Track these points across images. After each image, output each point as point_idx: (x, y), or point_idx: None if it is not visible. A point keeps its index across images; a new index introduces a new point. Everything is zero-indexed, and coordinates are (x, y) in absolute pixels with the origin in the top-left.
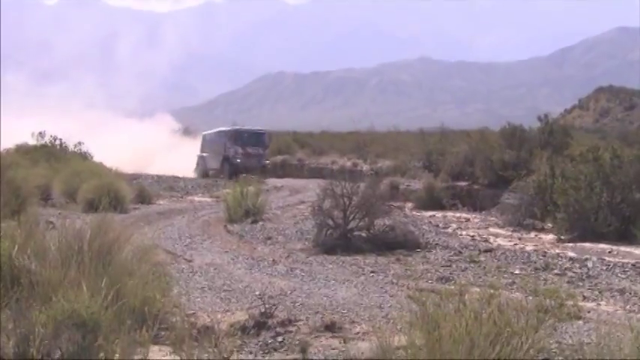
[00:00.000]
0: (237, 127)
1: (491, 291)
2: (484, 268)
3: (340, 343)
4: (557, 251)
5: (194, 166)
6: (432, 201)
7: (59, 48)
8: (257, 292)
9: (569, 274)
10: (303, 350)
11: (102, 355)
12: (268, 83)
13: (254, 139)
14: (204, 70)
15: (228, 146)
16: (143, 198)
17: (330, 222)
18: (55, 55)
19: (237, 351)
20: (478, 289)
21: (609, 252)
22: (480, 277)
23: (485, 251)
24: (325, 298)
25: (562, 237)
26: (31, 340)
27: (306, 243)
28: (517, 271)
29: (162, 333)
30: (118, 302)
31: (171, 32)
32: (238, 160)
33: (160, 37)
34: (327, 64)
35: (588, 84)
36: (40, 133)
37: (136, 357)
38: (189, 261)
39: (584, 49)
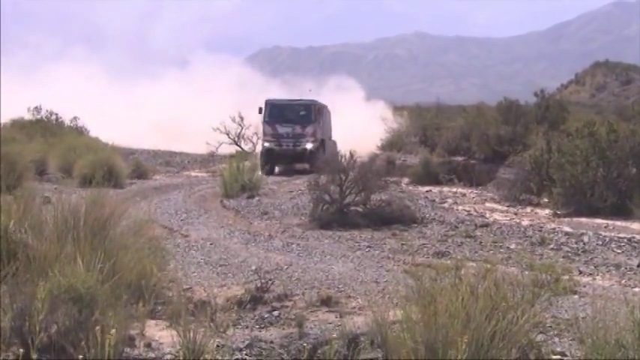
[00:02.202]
0: (270, 99)
1: (487, 266)
2: (480, 242)
3: (336, 317)
4: (553, 226)
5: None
6: (428, 176)
7: None
8: (253, 267)
9: (565, 248)
10: (299, 325)
11: (98, 329)
12: (264, 58)
13: (292, 113)
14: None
15: (262, 125)
16: (139, 173)
17: (327, 197)
18: None
19: (234, 325)
20: (474, 264)
21: (605, 227)
22: (476, 252)
23: (482, 226)
24: (321, 273)
25: (558, 212)
26: (28, 314)
27: (303, 218)
28: (513, 246)
29: (159, 307)
30: (114, 277)
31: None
32: (267, 145)
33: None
34: (323, 38)
35: (584, 59)
36: (36, 107)
37: (132, 331)
38: (186, 236)
39: (580, 24)
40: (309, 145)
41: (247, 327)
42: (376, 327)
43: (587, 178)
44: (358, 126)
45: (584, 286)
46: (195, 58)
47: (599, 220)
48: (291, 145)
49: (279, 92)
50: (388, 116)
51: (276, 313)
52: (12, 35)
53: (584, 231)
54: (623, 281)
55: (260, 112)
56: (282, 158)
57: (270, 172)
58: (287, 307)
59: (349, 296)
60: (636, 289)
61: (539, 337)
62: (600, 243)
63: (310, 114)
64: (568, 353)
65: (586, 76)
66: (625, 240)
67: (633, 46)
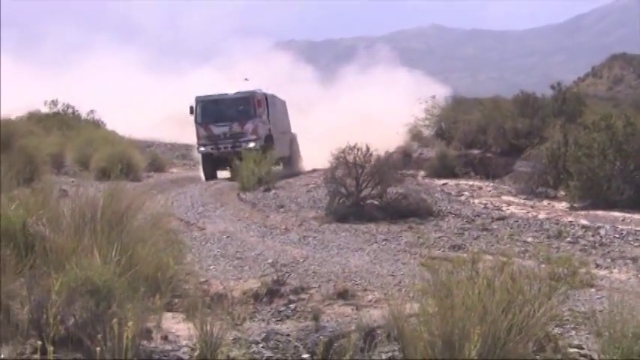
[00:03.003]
0: (200, 96)
1: (504, 259)
2: (497, 236)
3: (352, 310)
4: (570, 219)
5: None
6: (444, 169)
7: None
8: (269, 260)
9: (582, 242)
10: (316, 318)
11: (115, 321)
12: (281, 51)
13: (228, 109)
14: None
15: (195, 127)
16: (156, 166)
17: (343, 190)
18: None
19: (250, 318)
20: (491, 257)
21: (622, 220)
22: (493, 245)
23: (498, 219)
24: (338, 266)
25: (575, 205)
26: (45, 307)
27: (319, 211)
28: (530, 239)
29: (176, 300)
30: (131, 270)
31: None
32: (203, 149)
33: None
34: (339, 31)
35: (601, 52)
36: (53, 101)
37: (149, 324)
38: (202, 229)
39: (597, 17)
40: (251, 145)
41: (264, 320)
42: (393, 320)
43: (604, 171)
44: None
45: (601, 280)
46: (224, 49)
47: (616, 214)
48: (229, 147)
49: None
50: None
51: (292, 306)
52: (41, 26)
53: (601, 224)
54: None
55: (191, 113)
56: (224, 162)
57: (213, 178)
58: (303, 300)
59: (365, 289)
60: None
61: (556, 331)
62: (617, 236)
63: (249, 108)
64: (585, 346)
65: (603, 68)
66: None
67: None
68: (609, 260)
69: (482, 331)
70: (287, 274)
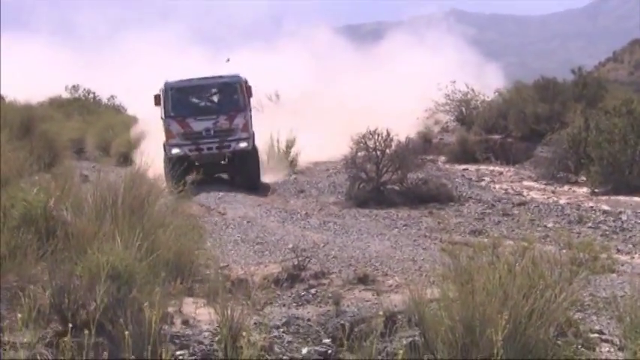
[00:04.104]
0: (171, 82)
1: (525, 244)
2: (517, 221)
3: (373, 295)
4: (591, 204)
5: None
6: (465, 154)
7: None
8: (290, 245)
9: (603, 227)
10: (336, 302)
11: (136, 306)
12: (304, 37)
13: (211, 99)
14: None
15: (163, 122)
16: None
17: (363, 175)
18: None
19: (271, 303)
20: (511, 242)
21: None
22: (513, 231)
23: (519, 204)
24: (358, 251)
25: (596, 190)
26: (67, 291)
27: (339, 196)
28: (550, 225)
29: (197, 285)
30: (152, 255)
31: None
32: (177, 151)
33: None
34: (357, 17)
35: (623, 36)
36: (74, 86)
37: (170, 309)
38: (223, 214)
39: (618, 2)
40: (242, 145)
41: (284, 305)
42: (413, 305)
43: (625, 156)
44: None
45: (623, 265)
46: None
47: (637, 199)
48: (215, 148)
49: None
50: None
51: (313, 291)
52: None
53: (622, 209)
54: None
55: (157, 104)
56: (203, 167)
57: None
58: (324, 285)
59: (386, 274)
60: None
61: (577, 316)
62: (639, 221)
63: (238, 97)
64: (606, 332)
65: (624, 53)
66: None
67: None
68: (631, 245)
69: (502, 316)
70: (307, 259)
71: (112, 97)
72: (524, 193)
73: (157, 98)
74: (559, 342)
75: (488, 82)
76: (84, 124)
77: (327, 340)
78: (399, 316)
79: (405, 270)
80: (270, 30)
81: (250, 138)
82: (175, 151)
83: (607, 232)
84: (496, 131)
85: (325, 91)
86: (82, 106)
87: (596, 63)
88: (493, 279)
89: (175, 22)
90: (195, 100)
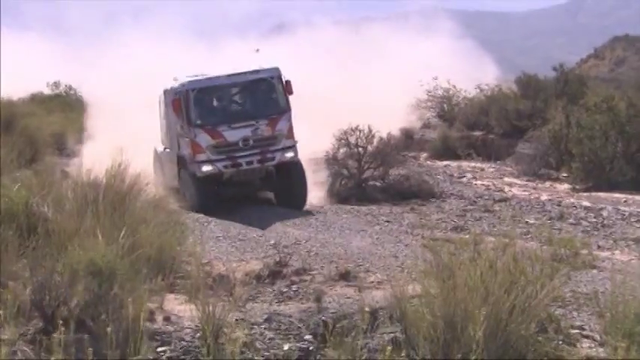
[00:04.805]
0: (192, 79)
1: (506, 240)
2: (499, 217)
3: (355, 292)
4: (572, 201)
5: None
6: (446, 150)
7: None
8: (272, 242)
9: (584, 223)
10: (318, 299)
11: (118, 303)
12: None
13: (245, 100)
14: None
15: (180, 132)
16: None
17: (345, 172)
18: None
19: (252, 300)
20: (493, 239)
21: (624, 201)
22: (495, 227)
23: (500, 201)
24: (340, 248)
25: (577, 186)
26: (48, 288)
27: (321, 192)
28: (532, 221)
29: (178, 281)
30: (133, 251)
31: None
32: (207, 169)
33: None
34: (339, 14)
35: (603, 33)
36: (55, 82)
37: (151, 305)
38: None
39: None
40: (289, 155)
41: (266, 301)
42: (395, 301)
43: (606, 152)
44: None
45: (603, 261)
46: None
47: (618, 195)
48: (256, 162)
49: None
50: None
51: (294, 287)
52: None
53: (603, 205)
54: None
55: (177, 110)
56: (238, 187)
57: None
58: (306, 281)
59: (368, 271)
60: None
61: (558, 312)
62: (619, 217)
63: (278, 94)
64: (587, 327)
65: (605, 50)
66: None
67: None
68: (611, 241)
69: (484, 312)
70: (289, 256)
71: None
72: (506, 190)
73: (176, 104)
74: (540, 338)
75: (476, 77)
76: (65, 120)
77: (308, 337)
78: (381, 313)
79: (387, 266)
80: (260, 24)
81: (295, 145)
82: (206, 168)
83: (588, 229)
84: (478, 128)
85: (312, 86)
86: (63, 103)
87: (577, 60)
88: (474, 275)
89: (162, 16)
90: (225, 103)
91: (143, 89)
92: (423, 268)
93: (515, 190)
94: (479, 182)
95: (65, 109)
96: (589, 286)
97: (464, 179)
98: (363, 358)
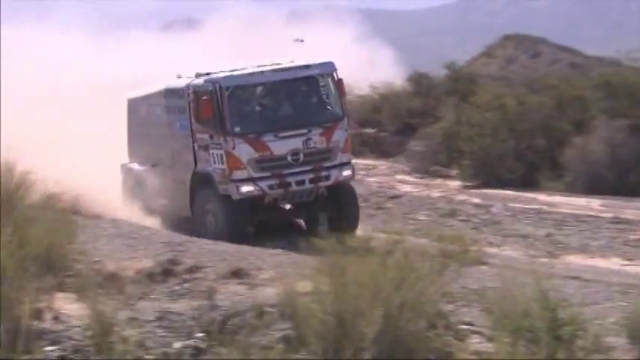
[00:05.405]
0: (227, 74)
1: (397, 237)
2: (391, 214)
3: (247, 289)
4: (463, 198)
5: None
6: None
7: None
8: (164, 240)
9: (474, 220)
10: (210, 296)
11: (5, 302)
12: None
13: (294, 103)
14: None
15: (202, 142)
16: None
17: None
18: None
19: (144, 298)
20: (384, 235)
21: (514, 198)
22: (387, 224)
23: (393, 198)
24: (232, 245)
25: (467, 183)
26: None
27: None
28: (423, 217)
29: (68, 280)
30: (21, 249)
31: None
32: (246, 189)
33: None
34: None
35: (493, 32)
36: None
37: (40, 304)
38: None
39: None
40: (347, 173)
41: (157, 299)
42: (286, 298)
43: (496, 150)
44: None
45: (493, 257)
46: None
47: (507, 192)
48: (308, 181)
49: None
50: None
51: (186, 285)
52: None
53: (492, 202)
54: (530, 252)
55: (207, 115)
56: (279, 212)
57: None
58: (198, 279)
59: (260, 268)
60: (543, 260)
61: (448, 308)
62: (509, 214)
63: (333, 97)
64: (476, 323)
65: (497, 48)
66: (533, 211)
67: (540, 18)
68: (501, 238)
69: (373, 308)
70: (181, 253)
71: None
72: (398, 187)
73: (206, 105)
74: (430, 334)
75: (369, 75)
76: None
77: (200, 334)
78: (273, 310)
79: (279, 263)
80: (162, 20)
81: (352, 162)
82: (247, 189)
83: (478, 225)
84: (370, 125)
85: None
86: None
87: (468, 58)
88: (365, 272)
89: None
90: (270, 105)
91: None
92: (314, 264)
93: (407, 188)
94: (372, 179)
95: None
96: (479, 283)
97: (357, 177)
98: (254, 355)
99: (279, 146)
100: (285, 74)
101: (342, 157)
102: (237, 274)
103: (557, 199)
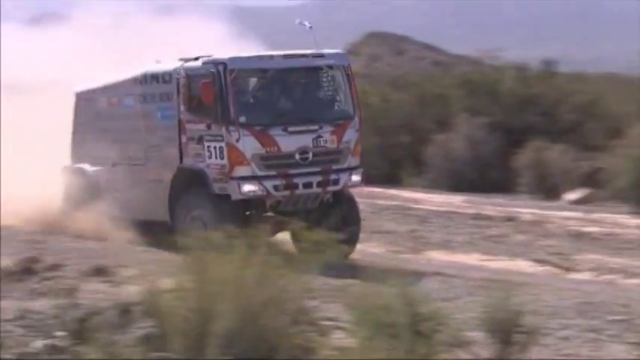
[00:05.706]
0: (233, 57)
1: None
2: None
3: (109, 286)
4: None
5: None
6: None
7: None
8: (23, 237)
9: None
10: (70, 294)
11: None
12: None
13: (306, 94)
14: None
15: (195, 133)
16: None
17: None
18: None
19: (2, 297)
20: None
21: (378, 194)
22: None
23: None
24: (95, 243)
25: None
26: None
27: None
28: None
29: None
30: None
31: None
32: (248, 189)
33: None
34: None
35: (358, 30)
36: None
37: None
38: None
39: None
40: (355, 178)
41: (16, 298)
42: (149, 296)
43: (360, 146)
44: None
45: (357, 253)
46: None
47: (372, 189)
48: (315, 184)
49: None
50: None
51: (47, 283)
52: None
53: (357, 199)
54: (394, 248)
55: (209, 98)
56: (288, 215)
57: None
58: (59, 277)
59: (124, 265)
60: (406, 255)
61: (311, 304)
62: (373, 211)
63: (346, 91)
64: (338, 319)
65: (361, 46)
66: (397, 207)
67: (405, 16)
68: (365, 234)
69: (236, 305)
70: (42, 251)
71: None
72: None
73: (206, 89)
74: (292, 330)
75: None
76: None
77: (60, 333)
78: (135, 308)
79: (144, 261)
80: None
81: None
82: (249, 188)
83: None
84: None
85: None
86: None
87: None
88: (227, 269)
89: None
90: (278, 95)
91: None
92: (177, 262)
93: None
94: None
95: None
96: (342, 278)
97: None
98: (115, 354)
99: (288, 142)
100: (297, 61)
101: (351, 161)
102: (100, 271)
103: (421, 195)
